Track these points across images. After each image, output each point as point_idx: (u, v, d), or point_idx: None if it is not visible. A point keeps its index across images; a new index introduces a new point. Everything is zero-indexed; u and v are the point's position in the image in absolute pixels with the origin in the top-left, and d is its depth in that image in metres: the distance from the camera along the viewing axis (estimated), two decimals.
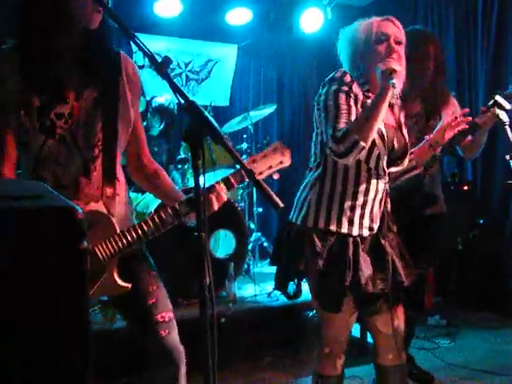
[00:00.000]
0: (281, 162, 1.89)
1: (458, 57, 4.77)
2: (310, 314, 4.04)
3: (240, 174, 1.80)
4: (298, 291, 2.31)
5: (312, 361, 2.25)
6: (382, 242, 2.06)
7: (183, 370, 1.83)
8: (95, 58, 1.70)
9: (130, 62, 1.81)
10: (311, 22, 5.29)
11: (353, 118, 1.92)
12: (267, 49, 5.65)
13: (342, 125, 1.89)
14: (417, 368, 3.06)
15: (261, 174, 1.85)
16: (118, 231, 1.69)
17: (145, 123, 4.25)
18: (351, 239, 2.00)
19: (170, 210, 1.72)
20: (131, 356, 2.49)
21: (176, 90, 1.37)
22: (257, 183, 1.35)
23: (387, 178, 2.09)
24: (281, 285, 2.23)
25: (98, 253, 1.67)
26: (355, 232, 2.01)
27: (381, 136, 1.99)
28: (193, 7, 4.92)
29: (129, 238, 1.69)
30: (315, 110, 2.06)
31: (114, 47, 1.78)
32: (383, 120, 1.98)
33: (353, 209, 2.02)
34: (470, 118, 2.33)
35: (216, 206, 1.76)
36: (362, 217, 2.03)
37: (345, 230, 2.01)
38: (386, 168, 2.06)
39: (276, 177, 1.90)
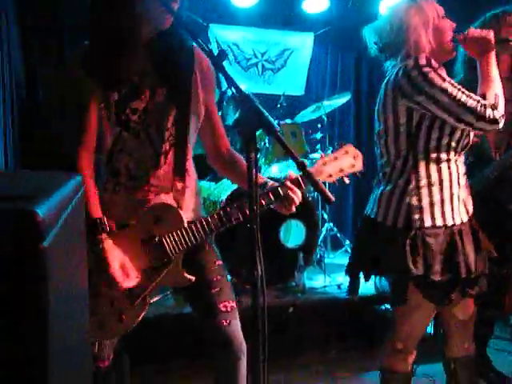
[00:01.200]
0: (352, 166, 1.84)
1: None
2: (383, 307, 3.97)
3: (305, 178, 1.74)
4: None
5: (380, 355, 2.21)
6: (474, 226, 2.04)
7: (243, 359, 1.87)
8: (169, 56, 1.75)
9: (205, 58, 1.83)
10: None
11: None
12: (344, 36, 5.53)
13: (472, 94, 1.89)
14: (494, 370, 2.92)
15: (330, 176, 1.82)
16: (186, 225, 1.74)
17: (220, 113, 4.32)
18: (456, 229, 1.97)
19: (235, 205, 1.75)
20: (198, 343, 2.56)
21: (231, 82, 1.38)
22: (309, 176, 1.34)
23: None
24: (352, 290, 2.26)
25: (166, 244, 1.74)
26: (458, 220, 1.98)
27: None
28: None
29: (195, 232, 1.74)
30: (407, 105, 1.96)
31: (187, 43, 1.80)
32: None
33: (452, 197, 1.98)
34: None
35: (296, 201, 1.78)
36: (461, 203, 2.01)
37: (449, 221, 1.97)
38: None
39: (347, 181, 1.85)
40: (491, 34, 1.94)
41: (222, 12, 5.11)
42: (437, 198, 1.96)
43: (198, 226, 1.74)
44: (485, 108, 1.85)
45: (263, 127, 1.33)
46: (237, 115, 4.38)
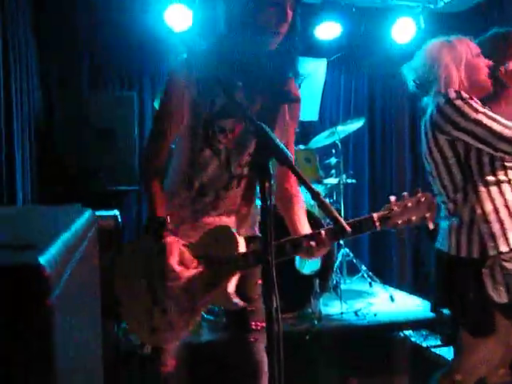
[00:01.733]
0: (424, 218, 1.62)
1: None
2: (401, 334, 3.91)
3: (336, 230, 1.68)
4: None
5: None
6: None
7: (265, 379, 1.87)
8: (267, 80, 1.78)
9: (297, 89, 1.89)
10: (403, 32, 5.15)
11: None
12: (358, 61, 5.58)
13: (507, 123, 1.92)
14: None
15: (396, 225, 1.64)
16: (240, 251, 1.73)
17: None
18: None
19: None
20: (215, 370, 2.55)
21: (245, 114, 1.39)
22: (323, 205, 1.33)
23: None
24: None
25: (217, 266, 1.74)
26: None
27: None
28: None
29: (247, 261, 1.72)
30: (447, 138, 2.03)
31: (287, 71, 1.82)
32: None
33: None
34: None
35: (317, 255, 1.72)
36: None
37: None
38: None
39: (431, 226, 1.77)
40: None
41: None
42: (507, 221, 1.96)
43: (251, 257, 1.72)
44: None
45: (277, 157, 1.33)
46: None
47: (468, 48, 2.10)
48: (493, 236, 1.96)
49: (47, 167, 4.31)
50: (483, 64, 2.09)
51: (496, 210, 1.97)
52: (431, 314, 3.93)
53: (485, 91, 2.09)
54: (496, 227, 1.96)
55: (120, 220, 3.62)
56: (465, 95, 1.98)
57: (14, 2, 3.47)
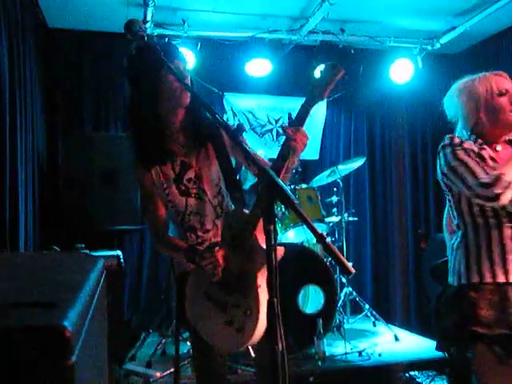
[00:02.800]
0: None
1: None
2: (407, 375, 3.84)
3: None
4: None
5: None
6: None
7: None
8: (200, 125, 2.06)
9: (211, 124, 2.08)
10: (401, 72, 5.26)
11: (482, 165, 2.00)
12: (357, 102, 5.67)
13: (482, 173, 1.97)
14: None
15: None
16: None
17: (238, 176, 4.38)
18: (510, 287, 2.00)
19: None
20: None
21: (248, 157, 1.41)
22: (327, 247, 1.34)
23: None
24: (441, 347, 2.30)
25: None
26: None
27: None
28: (281, 66, 5.09)
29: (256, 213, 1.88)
30: (443, 181, 2.16)
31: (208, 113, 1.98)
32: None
33: (504, 257, 2.02)
34: None
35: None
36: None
37: (502, 279, 2.01)
38: None
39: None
40: None
41: (237, 81, 5.28)
42: (487, 259, 2.03)
43: None
44: (482, 185, 1.96)
45: (281, 200, 1.35)
46: (253, 183, 4.43)
47: (489, 87, 2.12)
48: (467, 268, 2.06)
49: (50, 207, 4.33)
50: (507, 101, 2.09)
51: (477, 247, 2.06)
52: (438, 354, 3.87)
53: (509, 128, 2.12)
54: (472, 262, 2.06)
55: (122, 260, 3.62)
56: (456, 141, 2.07)
57: (21, 46, 3.56)
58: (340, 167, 4.56)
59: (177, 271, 2.20)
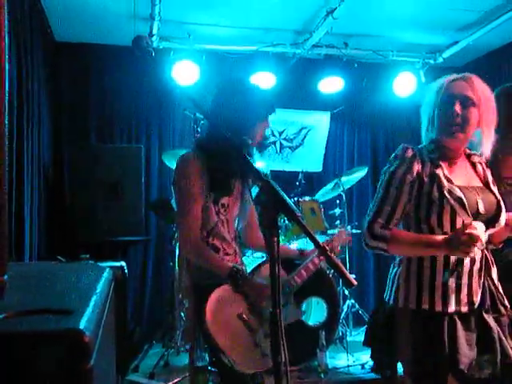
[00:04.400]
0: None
1: None
2: None
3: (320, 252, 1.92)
4: (394, 374, 2.21)
5: None
6: (486, 317, 1.90)
7: None
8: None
9: None
10: (404, 86, 5.30)
11: (400, 204, 1.94)
12: (360, 114, 5.71)
13: (385, 215, 1.94)
14: None
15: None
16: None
17: None
18: (447, 318, 1.87)
19: None
20: None
21: (252, 170, 1.44)
22: (329, 260, 1.36)
23: (484, 244, 1.91)
24: (376, 368, 2.17)
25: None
26: (451, 309, 1.88)
27: (460, 202, 1.90)
28: (285, 79, 5.13)
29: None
30: None
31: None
32: (460, 183, 1.94)
33: (446, 284, 1.89)
34: None
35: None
36: (458, 291, 1.90)
37: (439, 308, 1.89)
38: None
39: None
40: None
41: None
42: (427, 282, 1.93)
43: None
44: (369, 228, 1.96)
45: (285, 213, 1.37)
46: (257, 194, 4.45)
47: (442, 89, 2.00)
48: (406, 288, 1.97)
49: (55, 218, 4.36)
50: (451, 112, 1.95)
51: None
52: None
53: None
54: (412, 283, 1.96)
55: (126, 271, 3.63)
56: (408, 155, 1.98)
57: (29, 58, 3.61)
58: (343, 179, 4.58)
59: (201, 282, 2.21)
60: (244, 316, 2.12)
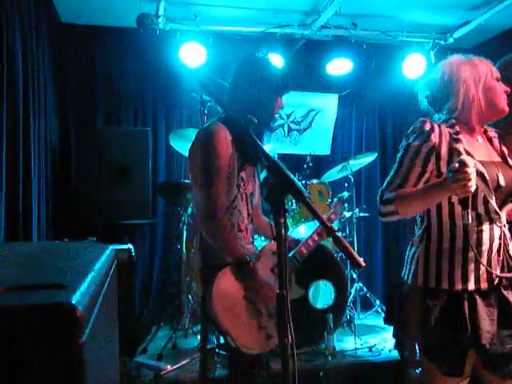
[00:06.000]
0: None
1: None
2: (417, 371, 3.83)
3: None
4: (413, 354, 2.22)
5: None
6: (505, 293, 1.92)
7: None
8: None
9: None
10: (414, 67, 5.22)
11: (412, 174, 1.95)
12: (369, 97, 5.64)
13: (395, 185, 1.96)
14: None
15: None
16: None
17: None
18: (466, 295, 1.89)
19: None
20: None
21: (259, 150, 1.42)
22: (337, 241, 1.34)
23: (504, 220, 1.94)
24: (396, 347, 2.19)
25: None
26: (471, 286, 1.89)
27: (481, 177, 1.88)
28: (293, 60, 5.07)
29: None
30: None
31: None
32: (481, 158, 1.92)
33: (465, 262, 1.90)
34: None
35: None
36: (477, 269, 1.90)
37: (459, 286, 1.90)
38: (498, 210, 1.92)
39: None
40: None
41: None
42: (447, 261, 1.94)
43: None
44: (380, 197, 1.99)
45: (293, 194, 1.35)
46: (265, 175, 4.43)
47: (489, 69, 2.04)
48: (426, 268, 1.99)
49: (62, 201, 4.37)
50: (501, 88, 2.02)
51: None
52: None
53: (500, 114, 2.04)
54: (432, 263, 1.98)
55: (133, 253, 3.64)
56: (426, 128, 1.96)
57: (34, 40, 3.59)
58: (351, 162, 4.54)
59: (212, 262, 2.20)
60: (250, 297, 2.12)
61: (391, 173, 2.02)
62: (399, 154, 2.03)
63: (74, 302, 0.51)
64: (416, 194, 1.92)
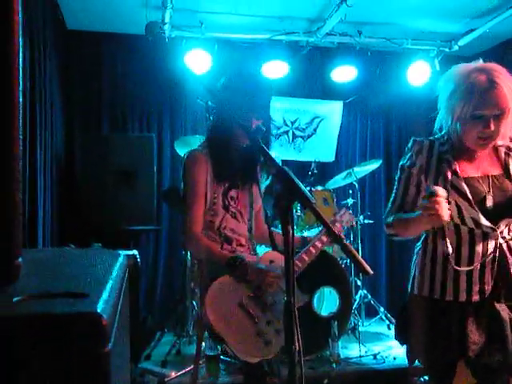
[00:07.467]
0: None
1: None
2: (421, 379, 3.81)
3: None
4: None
5: None
6: (497, 306, 1.90)
7: None
8: (249, 159, 2.35)
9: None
10: (418, 75, 5.23)
11: (409, 196, 2.02)
12: (373, 104, 5.65)
13: (396, 206, 2.04)
14: None
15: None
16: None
17: None
18: (457, 306, 1.90)
19: None
20: None
21: (267, 158, 1.42)
22: (345, 248, 1.34)
23: (498, 233, 1.91)
24: (406, 354, 2.19)
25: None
26: (462, 298, 1.90)
27: (463, 196, 1.88)
28: (298, 67, 5.09)
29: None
30: None
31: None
32: (473, 174, 1.93)
33: (458, 273, 1.91)
34: None
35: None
36: (469, 280, 1.91)
37: (450, 297, 1.92)
38: (490, 224, 1.89)
39: None
40: None
41: None
42: (440, 271, 1.97)
43: None
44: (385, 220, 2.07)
45: (300, 200, 1.36)
46: (270, 182, 4.43)
47: (466, 107, 1.88)
48: (421, 276, 2.04)
49: (67, 206, 4.38)
50: (477, 124, 1.86)
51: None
52: None
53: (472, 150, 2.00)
54: (427, 272, 2.02)
55: (138, 259, 3.65)
56: (415, 150, 2.02)
57: (41, 46, 3.61)
58: (356, 169, 4.55)
59: (209, 275, 2.24)
60: (245, 304, 2.13)
61: (392, 193, 2.10)
62: (396, 176, 2.11)
63: (99, 311, 0.52)
64: (407, 221, 1.98)
